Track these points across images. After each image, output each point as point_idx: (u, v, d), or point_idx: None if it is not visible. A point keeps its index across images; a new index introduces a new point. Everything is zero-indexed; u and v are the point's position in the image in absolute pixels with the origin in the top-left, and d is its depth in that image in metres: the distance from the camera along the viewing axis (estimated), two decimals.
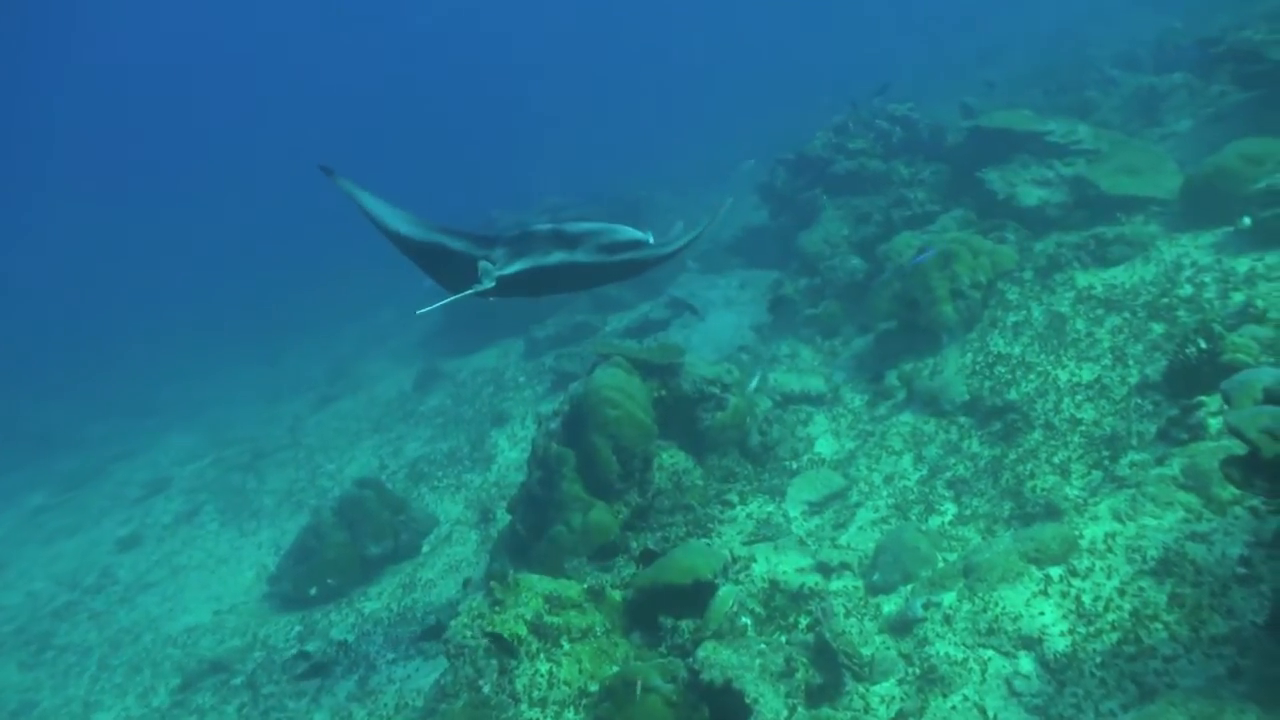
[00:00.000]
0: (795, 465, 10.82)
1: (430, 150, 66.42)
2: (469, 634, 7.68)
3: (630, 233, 6.55)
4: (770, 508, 10.06)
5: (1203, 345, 8.16)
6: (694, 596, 7.64)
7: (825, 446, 11.10)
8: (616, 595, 8.12)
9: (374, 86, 78.57)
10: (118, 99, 75.38)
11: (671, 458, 10.28)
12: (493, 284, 6.36)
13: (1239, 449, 7.08)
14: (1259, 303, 8.68)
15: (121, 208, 70.65)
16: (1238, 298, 9.31)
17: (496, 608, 7.83)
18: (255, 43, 78.96)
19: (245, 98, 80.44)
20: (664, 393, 10.53)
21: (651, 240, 6.58)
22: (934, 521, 8.86)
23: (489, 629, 7.53)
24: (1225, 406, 5.69)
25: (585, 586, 8.13)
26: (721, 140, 39.08)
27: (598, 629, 7.79)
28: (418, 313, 7.62)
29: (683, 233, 6.95)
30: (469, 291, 6.45)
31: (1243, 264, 10.01)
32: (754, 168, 22.55)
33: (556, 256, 6.46)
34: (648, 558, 8.38)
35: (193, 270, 51.21)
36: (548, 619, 7.71)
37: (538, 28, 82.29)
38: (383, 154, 66.12)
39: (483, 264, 6.47)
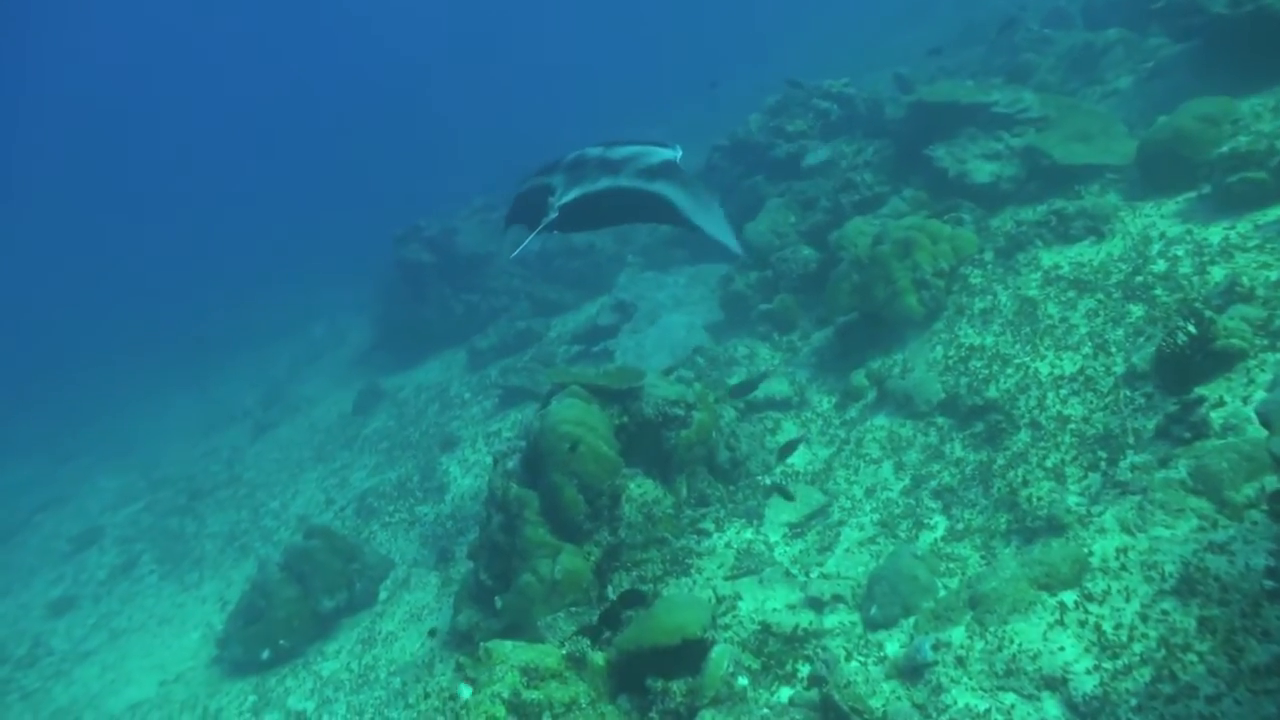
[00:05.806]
0: (769, 481, 10.20)
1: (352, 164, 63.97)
2: None
3: (662, 154, 7.53)
4: (749, 534, 9.44)
5: (1193, 331, 7.71)
6: (683, 654, 7.02)
7: (798, 457, 10.48)
8: (599, 658, 7.44)
9: (287, 102, 76.42)
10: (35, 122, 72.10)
11: (640, 487, 9.60)
12: (556, 214, 7.38)
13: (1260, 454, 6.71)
14: (1245, 280, 8.25)
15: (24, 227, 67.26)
16: (1216, 272, 8.89)
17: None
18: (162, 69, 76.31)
19: (166, 118, 77.88)
20: (626, 419, 9.83)
21: (680, 154, 7.59)
22: (925, 538, 8.32)
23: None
24: (1268, 433, 5.19)
25: (565, 652, 7.44)
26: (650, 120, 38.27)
27: (582, 700, 7.10)
28: (510, 257, 9.88)
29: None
30: (542, 225, 7.46)
31: (1215, 234, 9.58)
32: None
33: (604, 182, 7.42)
34: (621, 615, 7.75)
35: (106, 293, 48.69)
36: (526, 694, 7.00)
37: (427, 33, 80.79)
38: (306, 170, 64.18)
39: (549, 200, 7.53)
